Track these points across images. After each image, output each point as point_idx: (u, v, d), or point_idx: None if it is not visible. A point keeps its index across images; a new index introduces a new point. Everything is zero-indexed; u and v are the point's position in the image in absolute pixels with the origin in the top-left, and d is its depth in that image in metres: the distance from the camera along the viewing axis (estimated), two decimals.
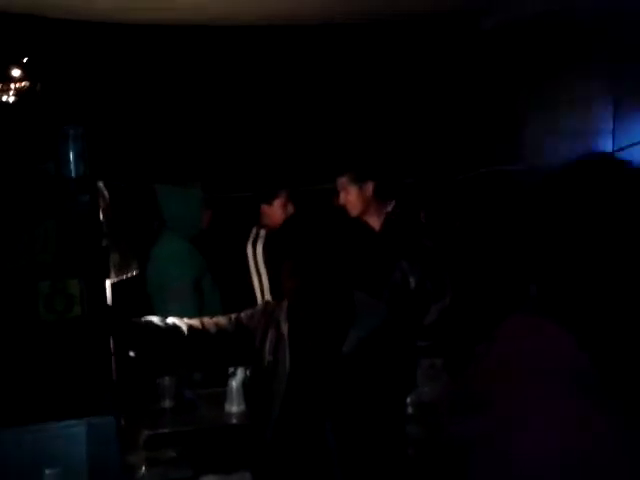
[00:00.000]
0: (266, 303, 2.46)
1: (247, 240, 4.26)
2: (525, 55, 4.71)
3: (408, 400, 2.40)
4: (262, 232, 4.20)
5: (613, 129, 4.61)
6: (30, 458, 1.58)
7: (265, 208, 4.17)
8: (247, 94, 5.29)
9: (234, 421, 3.22)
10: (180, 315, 2.40)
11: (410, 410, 2.62)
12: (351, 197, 3.70)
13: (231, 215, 4.36)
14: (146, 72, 4.76)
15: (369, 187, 3.68)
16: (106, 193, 2.06)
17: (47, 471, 1.58)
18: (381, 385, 2.16)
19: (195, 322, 2.35)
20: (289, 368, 2.22)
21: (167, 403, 3.26)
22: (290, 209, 4.13)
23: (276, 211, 4.14)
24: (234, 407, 3.24)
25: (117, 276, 2.11)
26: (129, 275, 2.25)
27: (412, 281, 3.54)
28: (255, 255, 4.20)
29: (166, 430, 3.12)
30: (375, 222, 3.69)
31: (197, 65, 4.91)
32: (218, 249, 4.12)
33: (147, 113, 4.89)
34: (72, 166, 1.90)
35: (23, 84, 4.71)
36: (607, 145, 4.63)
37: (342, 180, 3.72)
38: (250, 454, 2.52)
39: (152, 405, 3.27)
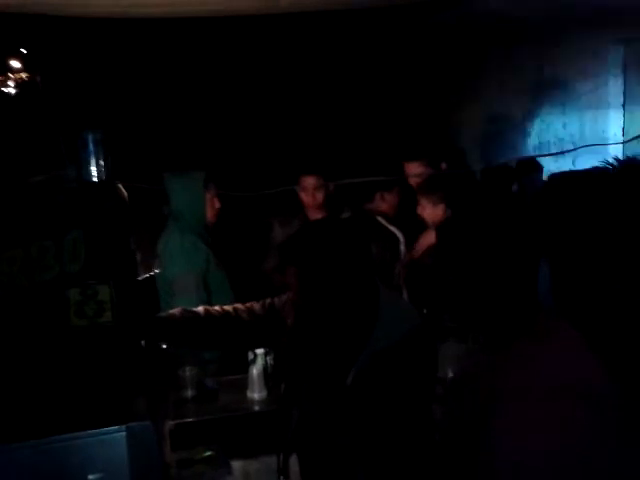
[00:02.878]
0: None
1: (257, 235, 4.25)
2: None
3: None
4: None
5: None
6: (73, 465, 1.60)
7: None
8: (252, 89, 5.25)
9: (257, 408, 3.26)
10: None
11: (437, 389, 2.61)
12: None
13: (241, 210, 4.32)
14: (149, 65, 4.72)
15: (442, 166, 3.92)
16: (125, 193, 2.06)
17: (90, 477, 1.61)
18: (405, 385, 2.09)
19: (228, 308, 2.39)
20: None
21: (189, 392, 3.29)
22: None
23: (301, 196, 4.09)
24: (256, 394, 3.27)
25: (141, 275, 2.12)
26: (152, 273, 2.25)
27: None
28: None
29: (190, 419, 3.15)
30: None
31: (198, 57, 4.87)
32: (229, 244, 4.09)
33: (151, 107, 4.86)
34: (94, 171, 1.90)
35: (22, 75, 4.67)
36: None
37: (415, 164, 3.85)
38: (274, 440, 2.54)
39: (174, 395, 3.30)
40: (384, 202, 4.06)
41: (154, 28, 4.09)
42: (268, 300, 2.45)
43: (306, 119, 5.64)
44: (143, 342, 2.04)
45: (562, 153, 4.24)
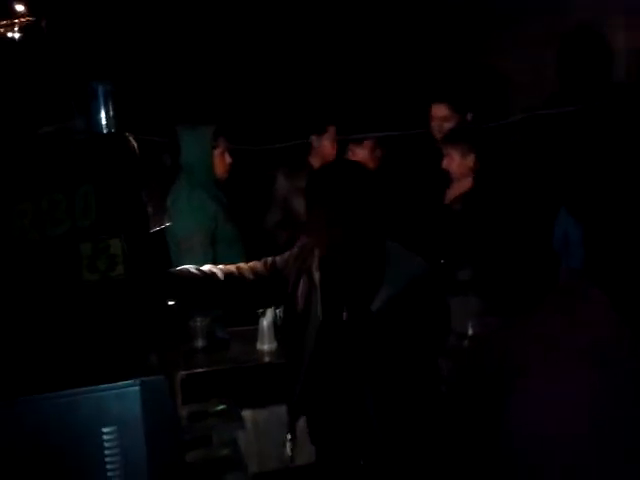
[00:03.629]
0: (301, 248, 2.45)
1: (268, 189, 4.24)
2: None
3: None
4: None
5: None
6: (88, 418, 1.61)
7: (314, 141, 4.10)
8: (264, 41, 5.12)
9: (266, 359, 3.29)
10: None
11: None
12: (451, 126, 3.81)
13: (254, 165, 4.29)
14: (160, 15, 4.58)
15: (468, 117, 3.84)
16: (135, 145, 2.03)
17: (105, 429, 1.62)
18: (412, 339, 2.11)
19: (232, 268, 2.41)
20: (321, 319, 2.23)
21: (200, 343, 3.32)
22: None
23: (325, 146, 4.07)
24: (266, 345, 3.30)
25: (151, 228, 2.11)
26: (161, 227, 2.24)
27: None
28: None
29: (201, 370, 3.19)
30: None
31: (210, 8, 4.71)
32: (241, 198, 4.07)
33: (161, 57, 4.71)
34: (104, 123, 1.87)
35: (27, 20, 4.57)
36: None
37: (441, 107, 3.80)
38: (283, 390, 2.57)
39: (185, 346, 3.33)
40: (354, 157, 4.03)
41: None
42: (270, 259, 2.45)
43: (320, 71, 5.53)
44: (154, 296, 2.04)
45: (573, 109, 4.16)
